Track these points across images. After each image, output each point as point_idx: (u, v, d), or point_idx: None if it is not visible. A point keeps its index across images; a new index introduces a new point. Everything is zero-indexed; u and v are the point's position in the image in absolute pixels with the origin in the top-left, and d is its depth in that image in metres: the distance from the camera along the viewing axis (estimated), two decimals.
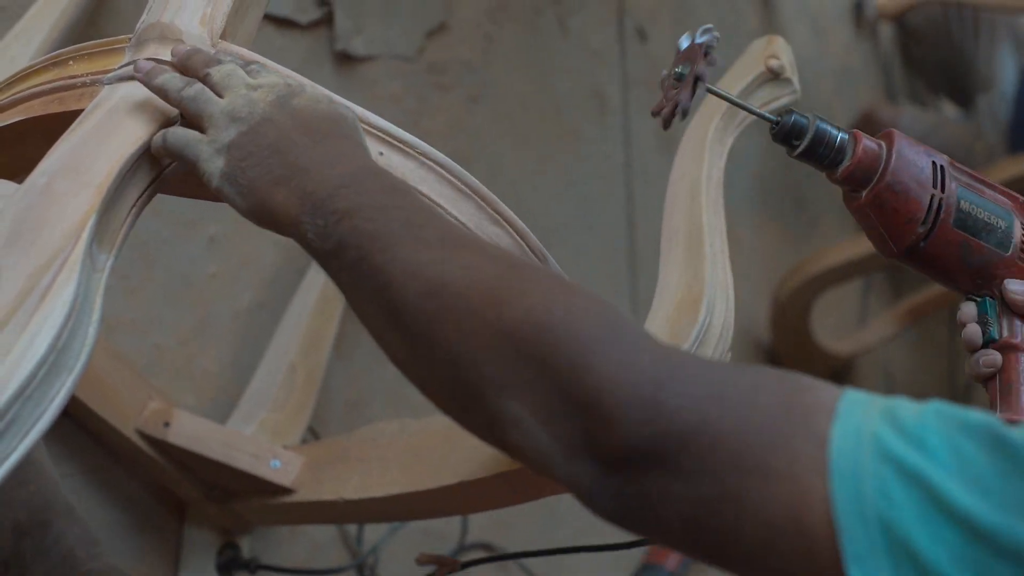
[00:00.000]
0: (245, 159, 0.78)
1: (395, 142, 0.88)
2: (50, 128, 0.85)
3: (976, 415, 0.60)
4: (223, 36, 0.87)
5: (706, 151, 1.17)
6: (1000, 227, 0.96)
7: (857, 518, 0.58)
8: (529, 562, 1.72)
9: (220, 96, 0.81)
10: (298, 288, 1.53)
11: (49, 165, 0.79)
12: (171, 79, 0.83)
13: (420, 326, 0.70)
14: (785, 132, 0.94)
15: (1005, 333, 0.98)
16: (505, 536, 1.74)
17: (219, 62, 0.83)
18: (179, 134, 0.81)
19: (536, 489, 1.11)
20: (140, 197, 0.82)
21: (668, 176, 1.20)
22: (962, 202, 0.95)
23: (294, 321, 1.48)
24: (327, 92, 0.84)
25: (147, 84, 0.83)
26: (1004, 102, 2.88)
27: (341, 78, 1.65)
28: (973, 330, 0.98)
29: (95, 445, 1.31)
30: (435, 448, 1.17)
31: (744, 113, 1.20)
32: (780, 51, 1.22)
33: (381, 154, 0.87)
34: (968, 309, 0.99)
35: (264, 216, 0.78)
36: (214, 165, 0.79)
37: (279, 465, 1.27)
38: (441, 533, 1.67)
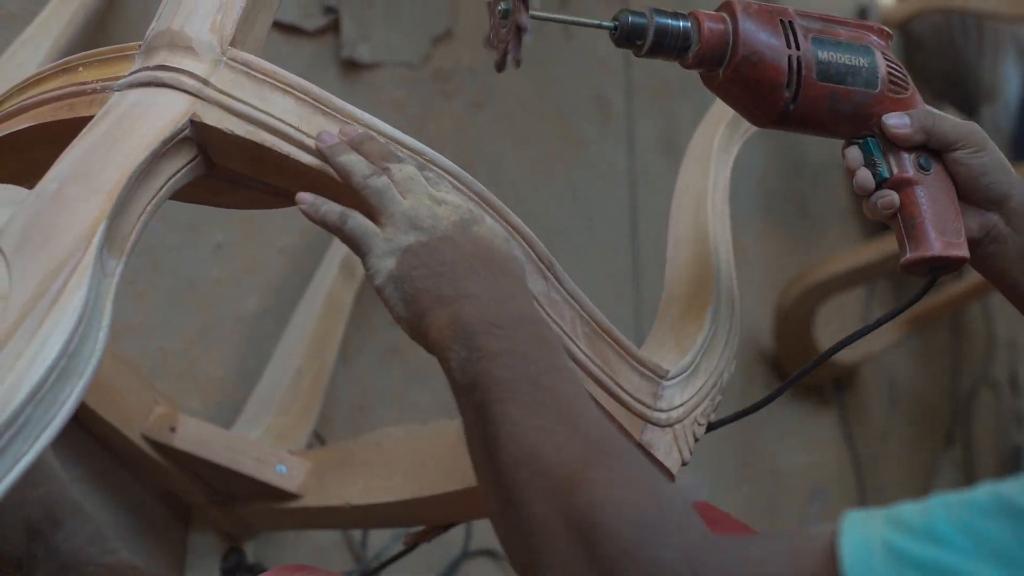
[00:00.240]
0: (417, 268, 0.80)
1: (404, 150, 0.88)
2: (60, 134, 0.86)
3: (980, 491, 0.60)
4: (233, 43, 0.87)
5: (712, 160, 1.17)
6: (863, 66, 0.95)
7: None
8: None
9: (402, 197, 0.83)
10: (304, 294, 1.53)
11: (60, 171, 0.79)
12: (357, 162, 0.84)
13: (508, 489, 0.72)
14: (626, 34, 0.91)
15: (895, 170, 0.96)
16: None
17: (398, 158, 0.85)
18: (360, 222, 0.82)
19: None
20: (150, 203, 0.82)
21: (671, 181, 1.20)
22: (820, 53, 0.93)
23: (301, 325, 1.48)
24: (503, 230, 0.86)
25: (329, 159, 0.84)
26: (1008, 112, 2.88)
27: (346, 84, 1.65)
28: (863, 174, 0.97)
29: (101, 449, 1.31)
30: (440, 454, 1.17)
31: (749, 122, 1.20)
32: None
33: None
34: (853, 154, 0.97)
35: (418, 329, 0.80)
36: (384, 264, 0.81)
37: (285, 470, 1.27)
38: (445, 539, 1.66)
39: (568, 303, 0.93)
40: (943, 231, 0.95)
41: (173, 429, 1.27)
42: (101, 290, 0.75)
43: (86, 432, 1.29)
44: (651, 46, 0.91)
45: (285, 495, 1.28)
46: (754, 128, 1.21)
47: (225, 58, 0.86)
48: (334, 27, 1.65)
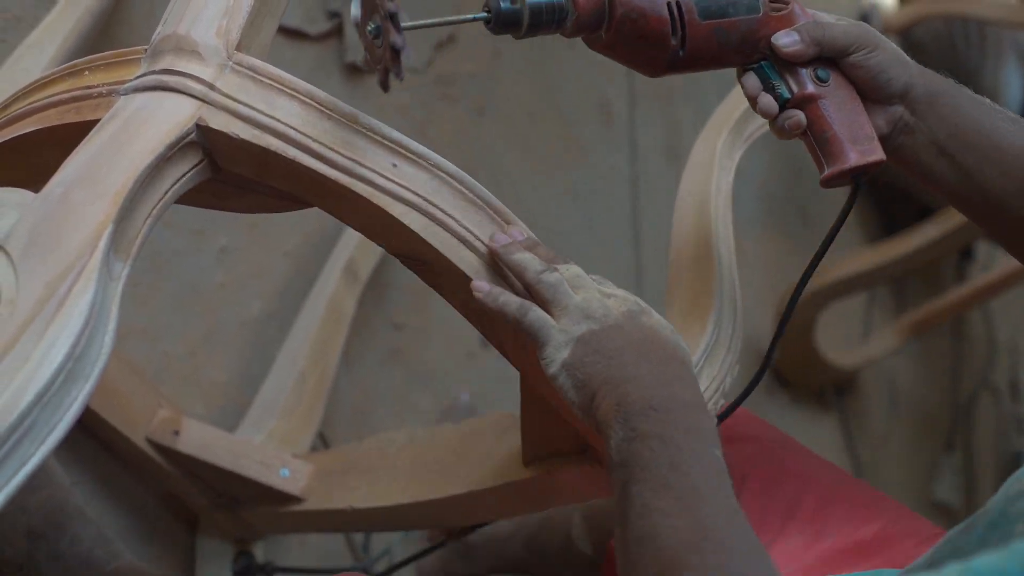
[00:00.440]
0: (589, 355, 0.83)
1: (408, 154, 0.88)
2: (66, 138, 0.86)
3: (985, 560, 0.60)
4: (239, 48, 0.87)
5: (715, 166, 1.17)
6: None
7: None
8: None
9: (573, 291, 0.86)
10: (307, 298, 1.53)
11: (66, 175, 0.79)
12: (531, 260, 0.87)
13: (632, 565, 0.74)
14: (502, 21, 0.89)
15: (795, 88, 0.95)
16: None
17: (564, 260, 0.88)
18: (539, 315, 0.85)
19: (544, 500, 1.11)
20: (156, 207, 0.82)
21: (673, 186, 1.20)
22: None
23: (304, 329, 1.48)
24: (668, 323, 0.88)
25: (502, 257, 0.88)
26: None
27: (349, 88, 1.65)
28: (765, 99, 0.96)
29: (104, 453, 1.31)
30: (443, 458, 1.17)
31: (752, 128, 1.21)
32: None
33: (395, 165, 0.88)
34: (751, 82, 0.97)
35: (588, 411, 0.82)
36: (559, 354, 0.83)
37: (288, 474, 1.28)
38: None
39: None
40: (855, 139, 0.95)
41: (177, 433, 1.27)
42: (107, 293, 0.75)
43: (90, 436, 1.29)
44: (528, 26, 0.90)
45: (289, 498, 1.28)
46: (757, 133, 1.21)
47: (231, 62, 0.86)
48: (338, 31, 1.65)
